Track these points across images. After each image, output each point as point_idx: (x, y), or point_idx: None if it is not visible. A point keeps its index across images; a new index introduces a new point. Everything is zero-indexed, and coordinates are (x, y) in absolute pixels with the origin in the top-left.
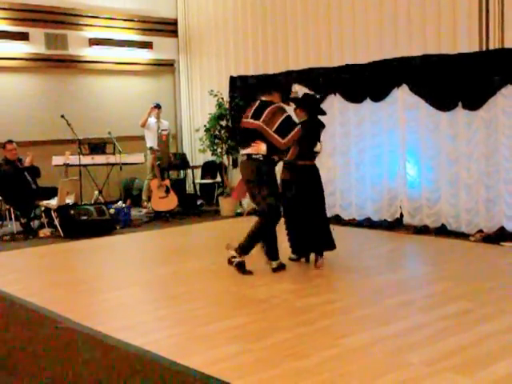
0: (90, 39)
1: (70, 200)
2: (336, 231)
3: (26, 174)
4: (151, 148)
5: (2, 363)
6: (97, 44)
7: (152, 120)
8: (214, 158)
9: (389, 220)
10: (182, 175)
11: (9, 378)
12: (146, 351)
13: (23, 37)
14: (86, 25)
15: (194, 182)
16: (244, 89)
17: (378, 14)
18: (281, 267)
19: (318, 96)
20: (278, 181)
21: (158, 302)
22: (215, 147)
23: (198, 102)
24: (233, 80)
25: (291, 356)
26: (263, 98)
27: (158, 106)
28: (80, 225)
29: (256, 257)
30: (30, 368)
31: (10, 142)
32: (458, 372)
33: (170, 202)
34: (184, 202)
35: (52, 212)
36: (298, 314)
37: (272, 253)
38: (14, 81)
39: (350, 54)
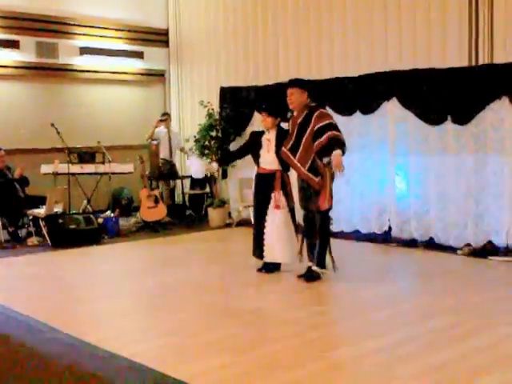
0: (81, 48)
1: (58, 209)
2: None
3: (14, 182)
4: (162, 159)
5: None
6: (87, 53)
7: (162, 130)
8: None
9: (377, 233)
10: (171, 185)
11: None
12: (133, 362)
13: (14, 45)
14: (77, 34)
15: (183, 193)
16: (234, 100)
17: (368, 27)
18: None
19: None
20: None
21: (146, 313)
22: (205, 158)
23: (188, 113)
24: (223, 91)
25: (279, 368)
26: None
27: (165, 115)
28: (68, 234)
29: (245, 266)
30: (14, 378)
31: None
32: None
33: (159, 212)
34: (173, 212)
35: (40, 221)
36: (287, 325)
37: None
38: (3, 89)
39: (340, 67)
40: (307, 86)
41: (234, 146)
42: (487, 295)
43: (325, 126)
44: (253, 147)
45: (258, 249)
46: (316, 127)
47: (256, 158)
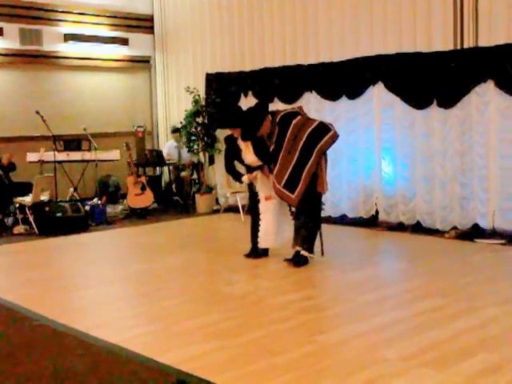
0: (65, 35)
1: (44, 197)
2: None
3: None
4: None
5: None
6: (72, 40)
7: (172, 145)
8: (190, 155)
9: (364, 217)
10: (157, 172)
11: None
12: (122, 348)
13: None
14: (61, 20)
15: (170, 179)
16: (220, 85)
17: (353, 11)
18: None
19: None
20: None
21: (134, 299)
22: (191, 144)
23: (174, 99)
24: (209, 77)
25: (267, 353)
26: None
27: (176, 131)
28: (55, 222)
29: (233, 252)
30: (4, 365)
31: None
32: (432, 367)
33: (146, 199)
34: (160, 198)
35: (27, 209)
36: (274, 310)
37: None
38: None
39: (325, 52)
40: (266, 112)
41: (219, 133)
42: (474, 277)
43: (304, 146)
44: (235, 153)
45: (254, 237)
46: (300, 148)
47: (242, 163)
